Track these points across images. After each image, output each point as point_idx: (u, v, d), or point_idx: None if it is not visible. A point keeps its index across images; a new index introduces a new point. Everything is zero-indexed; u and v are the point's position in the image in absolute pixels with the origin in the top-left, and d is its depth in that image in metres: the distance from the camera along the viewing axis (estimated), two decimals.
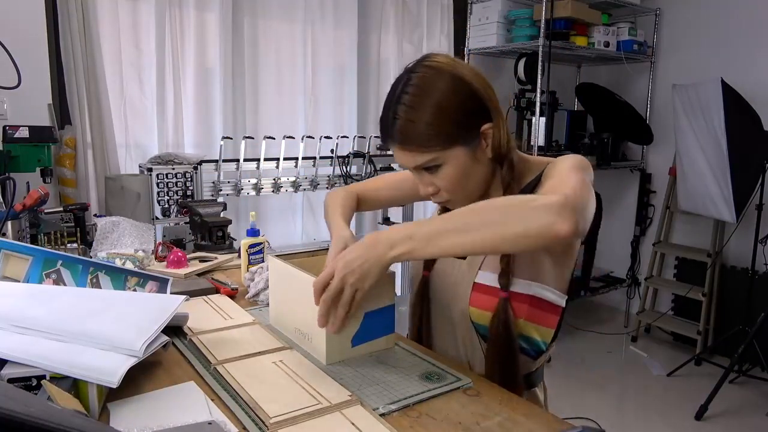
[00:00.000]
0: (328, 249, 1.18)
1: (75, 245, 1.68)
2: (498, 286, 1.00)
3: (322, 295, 0.90)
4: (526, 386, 1.07)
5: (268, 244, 1.57)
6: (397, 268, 1.24)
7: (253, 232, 1.49)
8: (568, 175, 0.92)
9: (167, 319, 0.93)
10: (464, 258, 1.06)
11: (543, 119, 3.24)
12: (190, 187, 2.50)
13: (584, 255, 3.31)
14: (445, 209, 1.14)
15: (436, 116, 0.94)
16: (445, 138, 0.95)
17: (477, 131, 0.97)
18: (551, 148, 3.44)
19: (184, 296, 1.04)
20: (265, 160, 2.74)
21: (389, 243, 0.87)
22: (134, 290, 1.13)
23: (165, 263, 1.54)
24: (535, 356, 1.06)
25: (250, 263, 1.45)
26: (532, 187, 1.02)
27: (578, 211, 0.82)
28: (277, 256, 1.11)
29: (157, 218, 2.44)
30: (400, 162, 1.02)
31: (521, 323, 1.01)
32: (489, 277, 1.02)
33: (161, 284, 1.14)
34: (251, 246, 1.46)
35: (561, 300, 1.03)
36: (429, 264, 1.13)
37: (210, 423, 0.76)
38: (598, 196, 0.97)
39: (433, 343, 1.13)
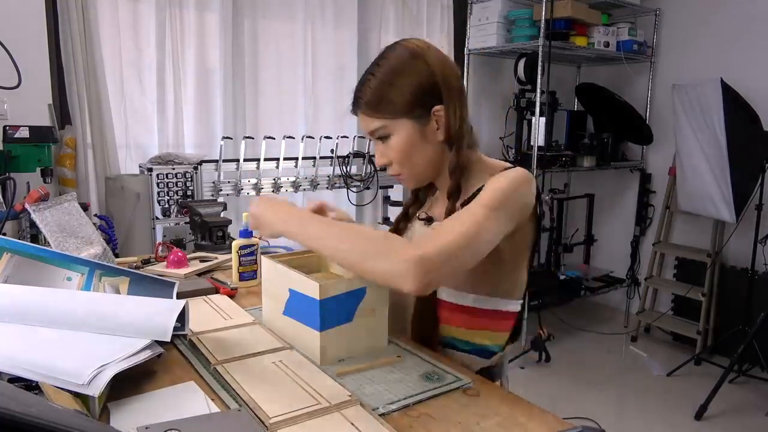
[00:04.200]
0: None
1: None
2: (453, 301, 1.05)
3: None
4: (489, 379, 1.08)
5: (269, 243, 1.56)
6: None
7: (246, 233, 1.42)
8: (471, 213, 0.93)
9: (124, 361, 0.82)
10: None
11: (543, 119, 3.24)
12: (190, 187, 2.51)
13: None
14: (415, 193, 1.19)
15: (387, 84, 1.01)
16: (392, 107, 1.01)
17: (427, 110, 1.02)
18: (551, 148, 3.44)
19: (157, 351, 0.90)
20: (265, 160, 2.74)
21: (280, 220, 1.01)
22: (103, 286, 1.07)
23: (165, 263, 1.54)
24: (488, 357, 1.10)
25: (241, 265, 1.41)
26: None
27: (432, 270, 0.85)
28: (270, 256, 1.10)
29: (157, 218, 2.44)
30: (361, 127, 1.10)
31: (477, 333, 1.07)
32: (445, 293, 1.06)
33: (165, 288, 1.10)
34: (242, 247, 1.40)
35: (516, 305, 1.09)
36: None
37: (239, 410, 0.78)
38: (538, 198, 1.04)
39: None
